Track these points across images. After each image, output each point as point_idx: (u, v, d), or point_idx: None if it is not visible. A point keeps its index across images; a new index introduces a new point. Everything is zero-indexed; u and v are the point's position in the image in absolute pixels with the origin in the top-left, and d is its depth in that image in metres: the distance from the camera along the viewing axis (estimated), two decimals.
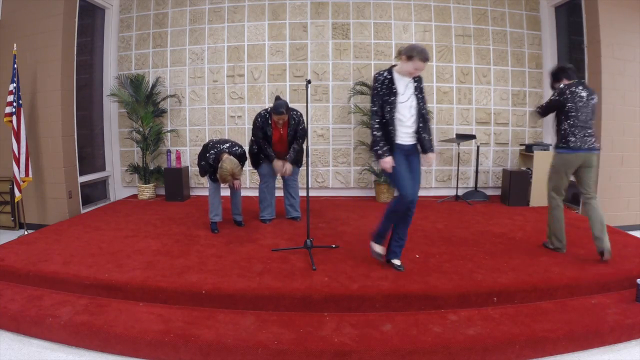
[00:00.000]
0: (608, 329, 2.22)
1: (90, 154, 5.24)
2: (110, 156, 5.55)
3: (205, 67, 5.33)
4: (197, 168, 3.77)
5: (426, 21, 5.23)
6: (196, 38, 5.33)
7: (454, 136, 5.11)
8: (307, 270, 2.78)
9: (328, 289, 2.48)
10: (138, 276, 2.66)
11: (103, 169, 5.46)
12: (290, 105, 5.19)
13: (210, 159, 3.56)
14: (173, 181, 5.12)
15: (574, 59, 4.97)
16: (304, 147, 3.88)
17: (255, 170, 4.07)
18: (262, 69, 5.28)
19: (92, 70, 5.25)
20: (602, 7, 4.18)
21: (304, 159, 3.99)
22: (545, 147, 4.72)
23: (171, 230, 3.78)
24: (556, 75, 3.07)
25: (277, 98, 3.70)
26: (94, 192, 5.27)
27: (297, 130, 3.78)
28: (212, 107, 5.38)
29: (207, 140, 4.31)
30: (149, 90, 5.16)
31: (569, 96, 2.92)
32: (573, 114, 2.91)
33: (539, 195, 4.59)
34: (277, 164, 3.79)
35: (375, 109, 2.60)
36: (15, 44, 4.01)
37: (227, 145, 3.63)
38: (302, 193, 3.80)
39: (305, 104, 3.31)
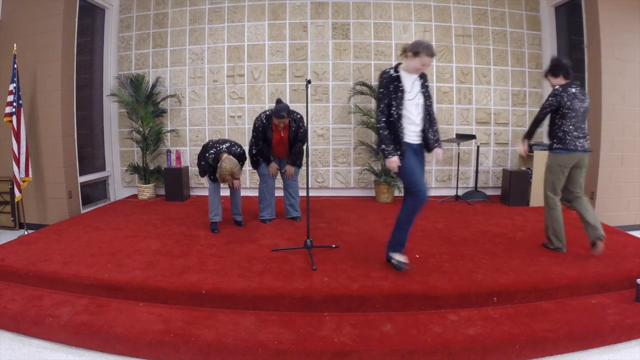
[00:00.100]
0: (608, 329, 2.22)
1: (90, 154, 5.24)
2: (110, 156, 5.55)
3: (205, 67, 5.33)
4: (197, 168, 3.77)
5: (426, 21, 5.23)
6: (196, 38, 5.33)
7: (454, 136, 5.11)
8: (307, 270, 2.78)
9: (328, 289, 2.48)
10: (138, 276, 2.66)
11: (103, 169, 5.46)
12: (291, 105, 5.21)
13: (209, 159, 3.56)
14: (173, 181, 5.12)
15: (574, 59, 4.97)
16: (304, 148, 3.89)
17: (255, 171, 4.08)
18: (262, 69, 5.28)
19: (92, 70, 5.25)
20: (602, 7, 4.18)
21: (304, 159, 3.99)
22: (545, 147, 4.72)
23: (171, 230, 3.78)
24: (556, 70, 3.05)
25: (278, 101, 3.69)
26: (94, 192, 5.27)
27: (297, 133, 3.79)
28: (212, 107, 5.38)
29: (207, 141, 4.31)
30: (149, 90, 5.16)
31: (564, 98, 2.94)
32: (569, 114, 2.95)
33: (539, 195, 4.58)
34: (273, 167, 3.86)
35: (381, 107, 2.58)
36: (15, 44, 4.01)
37: (227, 145, 3.63)
38: (302, 193, 3.80)
39: (305, 104, 3.32)
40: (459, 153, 5.26)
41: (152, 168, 5.37)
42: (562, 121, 2.97)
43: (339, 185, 5.39)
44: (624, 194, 4.38)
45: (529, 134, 3.22)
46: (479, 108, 5.29)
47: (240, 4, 5.25)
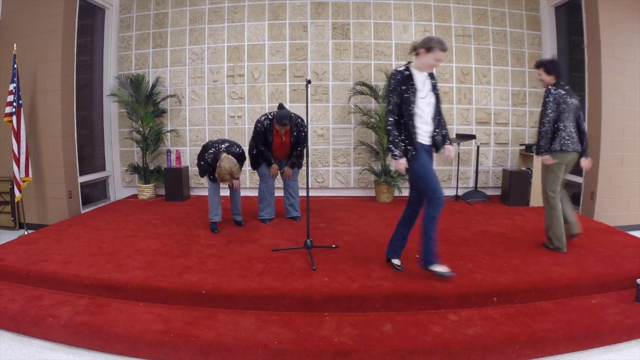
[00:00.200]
0: (608, 329, 2.22)
1: (90, 154, 5.24)
2: (110, 156, 5.55)
3: (205, 67, 5.33)
4: (197, 168, 3.78)
5: (426, 21, 5.23)
6: (196, 38, 5.33)
7: (454, 136, 5.11)
8: (307, 270, 2.78)
9: (328, 289, 2.48)
10: (138, 276, 2.66)
11: (103, 169, 5.46)
12: (291, 105, 5.23)
13: (208, 159, 3.56)
14: (173, 181, 5.12)
15: (574, 59, 4.97)
16: (304, 150, 3.89)
17: (255, 171, 4.08)
18: (262, 69, 5.28)
19: (92, 70, 5.25)
20: (602, 7, 4.18)
21: (304, 159, 3.99)
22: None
23: (171, 230, 3.78)
24: (552, 68, 3.08)
25: (280, 106, 3.67)
26: (94, 192, 5.27)
27: (299, 137, 3.79)
28: (212, 107, 5.38)
29: (207, 141, 4.31)
30: (149, 90, 5.16)
31: (561, 100, 3.00)
32: (566, 115, 3.00)
33: (538, 195, 4.58)
34: (274, 168, 3.88)
35: (391, 107, 2.51)
36: (15, 44, 4.01)
37: (226, 145, 3.63)
38: (302, 193, 3.80)
39: (305, 104, 3.31)
40: (459, 153, 5.26)
41: (152, 168, 5.37)
42: (560, 122, 3.01)
43: (339, 185, 5.39)
44: (624, 194, 4.38)
45: (549, 142, 3.05)
46: (479, 108, 5.29)
47: (240, 4, 5.26)
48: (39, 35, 4.33)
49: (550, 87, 3.05)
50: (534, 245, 3.27)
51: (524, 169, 4.92)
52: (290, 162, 3.90)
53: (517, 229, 3.77)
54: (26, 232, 4.05)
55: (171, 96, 5.39)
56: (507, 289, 2.50)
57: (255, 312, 2.41)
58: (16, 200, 4.16)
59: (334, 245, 3.26)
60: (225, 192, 3.89)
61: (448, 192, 5.32)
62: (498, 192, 5.35)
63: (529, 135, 5.38)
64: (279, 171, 3.94)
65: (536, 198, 4.67)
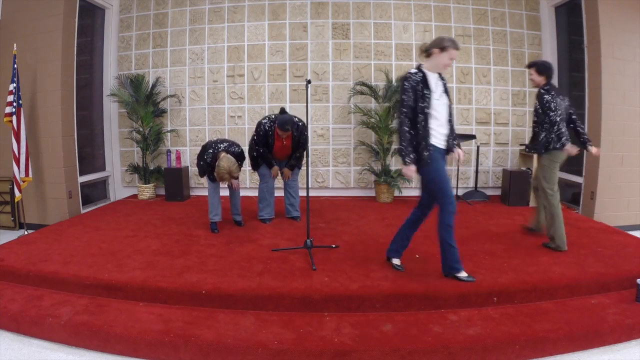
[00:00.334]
0: (608, 329, 2.22)
1: (90, 154, 5.24)
2: (110, 156, 5.55)
3: (205, 67, 5.33)
4: (197, 168, 3.78)
5: (426, 21, 5.23)
6: (196, 38, 5.33)
7: None
8: (307, 270, 2.78)
9: (328, 289, 2.48)
10: (138, 276, 2.66)
11: (103, 169, 5.46)
12: (291, 105, 5.23)
13: (208, 159, 3.57)
14: (173, 181, 5.12)
15: (574, 59, 4.97)
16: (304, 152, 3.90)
17: (255, 171, 4.08)
18: (262, 69, 5.28)
19: (92, 70, 5.25)
20: (602, 7, 4.18)
21: (304, 159, 3.99)
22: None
23: (171, 230, 3.78)
24: (544, 69, 3.16)
25: (282, 111, 3.65)
26: (94, 192, 5.27)
27: (299, 140, 3.79)
28: (212, 107, 5.38)
29: (206, 141, 4.31)
30: (149, 90, 5.16)
31: (555, 102, 3.07)
32: (559, 113, 3.07)
33: None
34: (275, 170, 3.89)
35: (405, 111, 2.45)
36: (15, 44, 4.01)
37: (225, 145, 3.63)
38: (302, 193, 3.80)
39: (305, 104, 3.31)
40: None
41: (152, 168, 5.37)
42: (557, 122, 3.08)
43: (339, 185, 5.39)
44: (624, 194, 4.38)
45: (565, 135, 3.11)
46: (479, 108, 5.29)
47: (240, 4, 5.25)
48: (39, 35, 4.33)
49: (543, 87, 3.14)
50: (534, 245, 3.27)
51: (524, 169, 4.92)
52: (290, 165, 3.90)
53: (517, 229, 3.77)
54: (26, 232, 4.05)
55: (171, 96, 5.39)
56: (507, 289, 2.50)
57: (255, 312, 2.41)
58: (16, 200, 4.16)
59: (334, 245, 3.26)
60: (225, 192, 3.89)
61: None
62: (498, 192, 5.35)
63: (529, 135, 5.37)
64: (279, 172, 3.94)
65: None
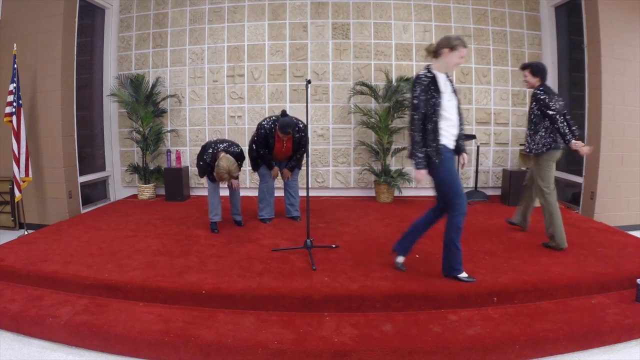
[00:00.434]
0: (608, 329, 2.22)
1: (90, 154, 5.24)
2: (110, 156, 5.55)
3: (205, 67, 5.33)
4: (197, 169, 3.78)
5: (426, 21, 5.23)
6: (196, 38, 5.33)
7: None
8: (307, 270, 2.78)
9: (328, 289, 2.48)
10: (138, 276, 2.66)
11: (103, 169, 5.46)
12: (291, 105, 5.23)
13: (207, 159, 3.57)
14: (173, 181, 5.12)
15: (574, 59, 4.97)
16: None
17: (255, 172, 4.08)
18: (262, 69, 5.28)
19: (92, 70, 5.25)
20: (602, 7, 4.18)
21: (304, 159, 4.00)
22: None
23: (171, 230, 3.78)
24: (538, 71, 3.20)
25: (283, 114, 3.63)
26: (94, 192, 5.27)
27: (300, 142, 3.78)
28: (212, 107, 5.38)
29: (206, 141, 4.31)
30: (149, 90, 5.16)
31: (552, 100, 3.11)
32: (558, 111, 3.10)
33: None
34: (275, 171, 3.90)
35: (418, 113, 2.41)
36: (15, 44, 4.01)
37: (225, 145, 3.63)
38: (302, 193, 3.80)
39: (305, 104, 3.31)
40: None
41: (152, 168, 5.37)
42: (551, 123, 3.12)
43: (339, 185, 5.39)
44: (624, 194, 4.38)
45: (568, 134, 3.10)
46: (479, 108, 5.29)
47: (240, 4, 5.25)
48: (39, 35, 4.33)
49: (538, 89, 3.17)
50: (534, 245, 3.27)
51: (524, 169, 4.92)
52: (290, 166, 3.90)
53: (517, 229, 3.77)
54: (26, 232, 4.05)
55: (171, 96, 5.39)
56: (507, 289, 2.50)
57: (255, 312, 2.41)
58: (16, 200, 4.16)
59: (334, 245, 3.26)
60: (225, 192, 3.89)
61: None
62: (498, 192, 5.35)
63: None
64: (279, 172, 3.95)
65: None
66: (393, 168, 5.11)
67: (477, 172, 5.18)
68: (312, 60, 5.24)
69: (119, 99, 5.15)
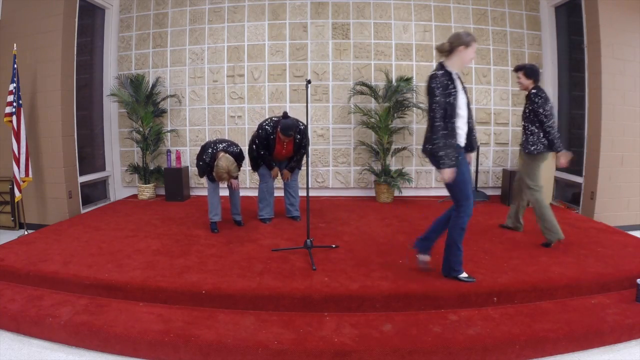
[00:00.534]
0: (608, 329, 2.22)
1: (90, 154, 5.24)
2: (110, 156, 5.55)
3: (205, 67, 5.33)
4: (196, 169, 3.78)
5: (426, 21, 5.23)
6: (196, 38, 5.33)
7: None
8: (307, 270, 2.78)
9: (328, 289, 2.48)
10: (138, 276, 2.67)
11: (103, 169, 5.46)
12: (291, 105, 5.23)
13: (207, 159, 3.57)
14: (173, 181, 5.12)
15: (574, 59, 4.97)
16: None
17: (255, 172, 4.08)
18: (262, 69, 5.28)
19: (92, 70, 5.25)
20: (602, 7, 4.18)
21: (304, 159, 3.99)
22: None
23: (171, 230, 3.78)
24: (531, 74, 3.24)
25: (285, 115, 3.63)
26: (94, 192, 5.27)
27: (300, 143, 3.78)
28: (212, 107, 5.38)
29: (206, 141, 4.31)
30: (149, 90, 5.16)
31: (545, 103, 3.15)
32: (550, 114, 3.17)
33: None
34: (275, 172, 3.90)
35: (439, 112, 2.37)
36: (15, 44, 4.01)
37: (224, 144, 3.63)
38: (302, 193, 3.80)
39: (305, 104, 3.31)
40: None
41: (152, 168, 5.37)
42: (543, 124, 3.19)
43: (339, 185, 5.39)
44: (624, 194, 4.38)
45: (557, 142, 3.15)
46: (479, 108, 5.29)
47: (240, 4, 5.25)
48: (39, 35, 4.33)
49: (533, 90, 3.20)
50: (534, 245, 3.27)
51: None
52: (290, 166, 3.90)
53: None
54: (26, 232, 4.05)
55: (171, 96, 5.39)
56: (507, 289, 2.50)
57: (255, 312, 2.41)
58: (16, 200, 4.16)
59: (334, 245, 3.26)
60: (224, 192, 3.89)
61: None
62: (498, 192, 5.35)
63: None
64: (279, 173, 3.95)
65: None
66: (393, 168, 5.11)
67: (477, 172, 5.18)
68: (312, 60, 5.24)
69: (119, 99, 5.15)
